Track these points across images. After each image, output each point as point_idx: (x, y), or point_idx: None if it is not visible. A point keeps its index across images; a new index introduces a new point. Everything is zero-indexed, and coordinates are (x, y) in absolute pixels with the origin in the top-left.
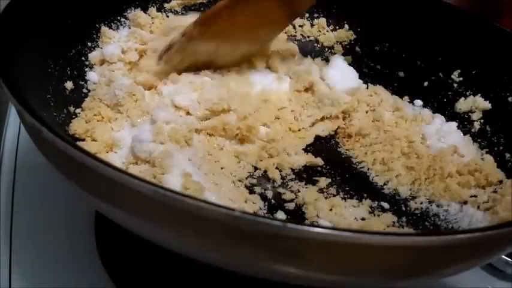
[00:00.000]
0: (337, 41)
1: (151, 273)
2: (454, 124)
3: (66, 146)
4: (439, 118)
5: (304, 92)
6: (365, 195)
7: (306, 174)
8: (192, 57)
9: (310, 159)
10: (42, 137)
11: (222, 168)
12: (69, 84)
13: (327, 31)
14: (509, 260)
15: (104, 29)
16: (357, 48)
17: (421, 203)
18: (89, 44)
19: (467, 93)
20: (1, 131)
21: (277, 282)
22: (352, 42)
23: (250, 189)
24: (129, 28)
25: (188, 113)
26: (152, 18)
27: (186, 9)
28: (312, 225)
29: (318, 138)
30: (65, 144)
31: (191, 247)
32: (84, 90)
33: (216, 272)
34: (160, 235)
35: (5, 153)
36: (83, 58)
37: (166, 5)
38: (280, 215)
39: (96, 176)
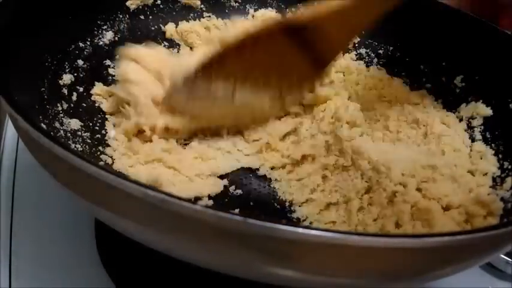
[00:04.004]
0: None
1: (151, 273)
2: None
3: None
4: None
5: None
6: None
7: None
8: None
9: None
10: (29, 135)
11: None
12: (66, 79)
13: None
14: (509, 260)
15: None
16: (361, 51)
17: None
18: (89, 39)
19: (469, 98)
20: (1, 131)
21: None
22: (356, 45)
23: None
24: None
25: None
26: None
27: None
28: (304, 226)
29: None
30: (41, 135)
31: (181, 250)
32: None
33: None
34: (146, 236)
35: (5, 153)
36: (81, 54)
37: None
38: None
39: (81, 175)
